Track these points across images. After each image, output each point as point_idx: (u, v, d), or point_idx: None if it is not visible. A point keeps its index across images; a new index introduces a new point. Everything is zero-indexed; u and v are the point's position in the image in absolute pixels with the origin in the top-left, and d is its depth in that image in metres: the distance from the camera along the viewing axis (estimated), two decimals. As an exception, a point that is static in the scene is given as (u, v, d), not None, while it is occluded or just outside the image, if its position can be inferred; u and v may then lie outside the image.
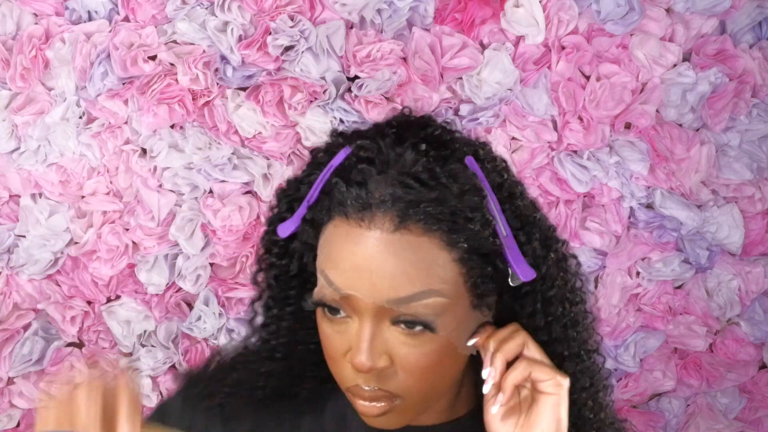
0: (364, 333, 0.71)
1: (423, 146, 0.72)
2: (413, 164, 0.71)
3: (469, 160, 0.74)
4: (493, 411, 0.73)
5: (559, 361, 0.77)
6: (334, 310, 0.72)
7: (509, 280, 0.75)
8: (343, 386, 0.75)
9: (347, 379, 0.74)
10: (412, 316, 0.70)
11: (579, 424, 0.79)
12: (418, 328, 0.71)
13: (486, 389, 0.73)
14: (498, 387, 0.73)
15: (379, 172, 0.71)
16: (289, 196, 0.79)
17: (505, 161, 0.80)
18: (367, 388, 0.72)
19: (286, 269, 0.80)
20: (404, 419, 0.75)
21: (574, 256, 0.81)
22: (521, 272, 0.74)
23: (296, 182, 0.78)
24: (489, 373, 0.73)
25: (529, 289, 0.76)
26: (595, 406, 0.81)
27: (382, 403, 0.73)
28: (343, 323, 0.72)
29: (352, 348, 0.72)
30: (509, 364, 0.74)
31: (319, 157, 0.77)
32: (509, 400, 0.74)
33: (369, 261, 0.69)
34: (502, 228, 0.74)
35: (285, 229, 0.77)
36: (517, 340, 0.74)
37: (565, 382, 0.73)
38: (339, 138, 0.77)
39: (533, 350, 0.75)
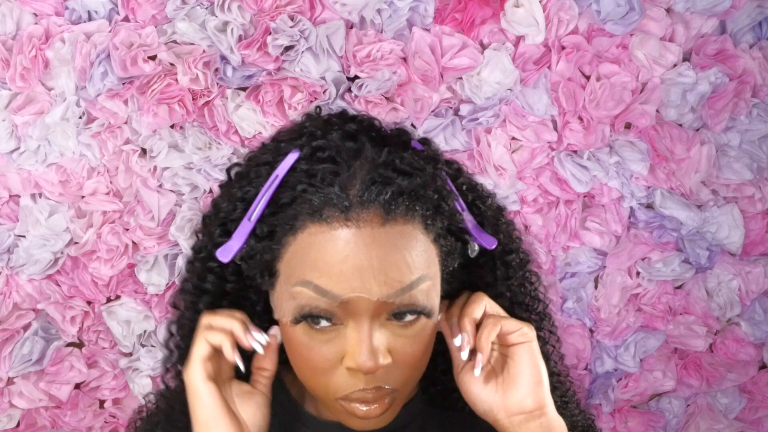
0: (364, 334, 0.69)
1: (374, 135, 0.73)
2: (379, 155, 0.70)
3: (416, 144, 0.75)
4: (477, 373, 0.74)
5: (521, 320, 0.78)
6: (317, 320, 0.70)
7: (468, 252, 0.75)
8: (336, 396, 0.72)
9: (343, 387, 0.72)
10: (410, 305, 0.70)
11: None
12: (411, 317, 0.71)
13: (465, 355, 0.74)
14: (472, 352, 0.74)
15: (348, 168, 0.69)
16: (221, 218, 0.75)
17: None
18: (369, 389, 0.71)
19: (221, 294, 0.77)
20: (396, 412, 0.75)
21: (513, 222, 0.82)
22: (485, 242, 0.75)
23: (229, 202, 0.75)
24: (463, 339, 0.74)
25: (486, 259, 0.77)
26: (551, 359, 0.83)
27: (384, 401, 0.72)
28: (333, 331, 0.70)
29: (351, 352, 0.70)
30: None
31: (252, 172, 0.74)
32: (489, 358, 0.74)
33: (369, 259, 0.67)
34: (461, 203, 0.75)
35: (228, 252, 0.73)
36: (478, 301, 0.75)
37: (532, 330, 0.74)
38: (279, 144, 0.74)
39: (494, 307, 0.76)
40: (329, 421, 0.80)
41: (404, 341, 0.71)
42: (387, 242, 0.68)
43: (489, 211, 0.78)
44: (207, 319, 0.74)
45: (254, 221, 0.72)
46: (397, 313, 0.70)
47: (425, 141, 0.77)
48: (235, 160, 1.57)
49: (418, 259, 0.69)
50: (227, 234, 0.74)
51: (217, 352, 0.73)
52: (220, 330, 0.73)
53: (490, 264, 0.78)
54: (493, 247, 0.76)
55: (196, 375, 0.72)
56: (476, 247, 0.76)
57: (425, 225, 0.70)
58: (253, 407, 0.75)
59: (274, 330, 0.76)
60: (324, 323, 0.70)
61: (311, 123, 0.76)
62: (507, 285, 0.79)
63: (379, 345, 0.70)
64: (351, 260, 0.67)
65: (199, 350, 0.73)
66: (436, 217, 0.71)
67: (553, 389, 0.78)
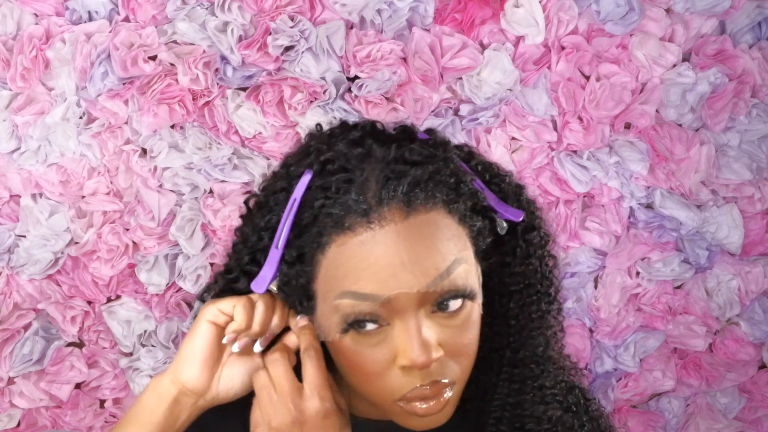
0: (411, 330, 0.69)
1: (378, 137, 0.73)
2: (387, 153, 0.71)
3: (422, 135, 0.76)
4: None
5: (531, 303, 0.78)
6: (363, 325, 0.70)
7: (498, 229, 0.76)
8: (394, 398, 0.72)
9: (400, 388, 0.71)
10: (451, 290, 0.69)
11: (541, 362, 0.80)
12: (456, 305, 0.70)
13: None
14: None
15: (361, 173, 0.70)
16: (249, 248, 0.76)
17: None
18: (426, 384, 0.71)
19: None
20: (454, 406, 0.74)
21: (535, 200, 0.82)
22: (512, 215, 0.75)
23: (254, 231, 0.76)
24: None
25: (510, 237, 0.77)
26: (557, 345, 0.83)
27: (443, 396, 0.72)
28: (380, 333, 0.70)
29: (402, 349, 0.69)
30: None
31: (271, 200, 0.75)
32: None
33: (398, 255, 0.68)
34: (479, 182, 0.75)
35: (262, 283, 0.74)
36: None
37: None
38: (289, 169, 0.75)
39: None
40: (379, 420, 0.80)
41: (453, 331, 0.71)
42: (413, 234, 0.68)
43: (509, 188, 0.78)
44: (263, 301, 0.75)
45: (282, 248, 0.72)
46: (441, 302, 0.70)
47: (430, 131, 0.78)
48: (235, 160, 1.57)
49: (448, 244, 0.69)
50: (256, 263, 0.75)
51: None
52: (256, 316, 0.75)
53: (513, 241, 0.78)
54: (521, 219, 0.76)
55: (205, 314, 0.74)
56: (504, 224, 0.76)
57: (448, 209, 0.70)
58: (236, 370, 0.76)
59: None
60: (370, 326, 0.70)
61: (315, 141, 0.76)
62: (525, 264, 0.79)
63: (429, 338, 0.69)
64: (382, 260, 0.68)
65: (225, 305, 0.74)
66: (457, 199, 0.71)
67: (547, 374, 0.80)
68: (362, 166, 0.70)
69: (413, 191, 0.69)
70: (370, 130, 0.75)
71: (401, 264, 0.68)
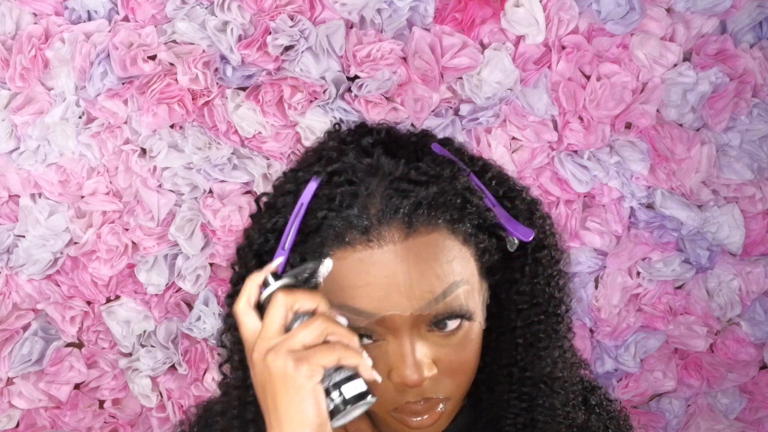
0: (406, 348, 0.69)
1: (389, 148, 0.72)
2: (395, 168, 0.70)
3: (436, 147, 0.75)
4: None
5: (537, 322, 0.77)
6: (359, 339, 0.69)
7: (508, 246, 0.74)
8: (387, 409, 0.73)
9: (392, 401, 0.72)
10: (447, 312, 0.69)
11: (550, 382, 0.79)
12: (454, 325, 0.70)
13: None
14: None
15: (366, 188, 0.69)
16: (255, 250, 0.75)
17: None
18: (419, 401, 0.71)
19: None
20: (450, 419, 0.75)
21: (549, 216, 0.80)
22: (521, 233, 0.74)
23: (260, 233, 0.75)
24: None
25: (519, 254, 0.76)
26: (565, 366, 0.81)
27: (435, 411, 0.72)
28: (376, 348, 0.70)
29: (395, 366, 0.69)
30: None
31: (279, 201, 0.74)
32: None
33: (394, 276, 0.67)
34: (491, 199, 0.74)
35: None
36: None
37: None
38: (298, 172, 0.74)
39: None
40: None
41: (449, 350, 0.71)
42: (412, 255, 0.68)
43: (522, 205, 0.77)
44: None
45: (288, 250, 0.72)
46: (437, 322, 0.69)
47: (446, 141, 0.77)
48: (235, 160, 1.57)
49: (448, 266, 0.69)
50: (263, 265, 0.74)
51: None
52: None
53: (522, 259, 0.77)
54: (530, 238, 0.74)
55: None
56: (515, 241, 0.74)
57: (452, 229, 0.70)
58: None
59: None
60: (366, 341, 0.70)
61: (330, 143, 0.75)
62: (533, 283, 0.77)
63: (423, 357, 0.70)
64: (378, 280, 0.67)
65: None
66: (462, 219, 0.70)
67: (557, 395, 0.78)
68: (369, 181, 0.69)
69: (415, 212, 0.68)
70: (383, 138, 0.74)
71: (396, 286, 0.67)
